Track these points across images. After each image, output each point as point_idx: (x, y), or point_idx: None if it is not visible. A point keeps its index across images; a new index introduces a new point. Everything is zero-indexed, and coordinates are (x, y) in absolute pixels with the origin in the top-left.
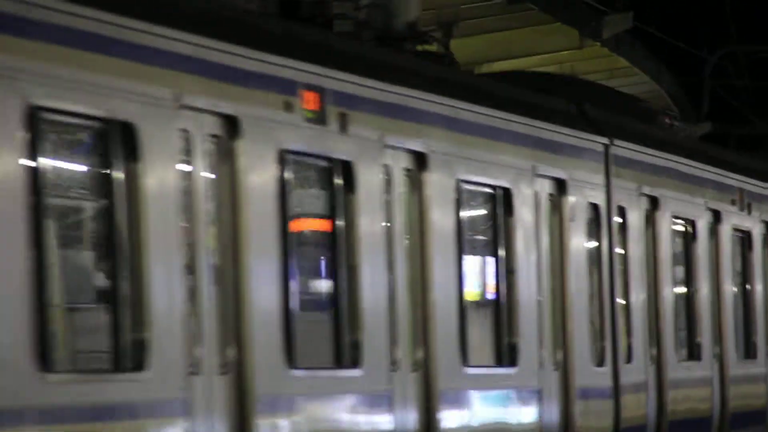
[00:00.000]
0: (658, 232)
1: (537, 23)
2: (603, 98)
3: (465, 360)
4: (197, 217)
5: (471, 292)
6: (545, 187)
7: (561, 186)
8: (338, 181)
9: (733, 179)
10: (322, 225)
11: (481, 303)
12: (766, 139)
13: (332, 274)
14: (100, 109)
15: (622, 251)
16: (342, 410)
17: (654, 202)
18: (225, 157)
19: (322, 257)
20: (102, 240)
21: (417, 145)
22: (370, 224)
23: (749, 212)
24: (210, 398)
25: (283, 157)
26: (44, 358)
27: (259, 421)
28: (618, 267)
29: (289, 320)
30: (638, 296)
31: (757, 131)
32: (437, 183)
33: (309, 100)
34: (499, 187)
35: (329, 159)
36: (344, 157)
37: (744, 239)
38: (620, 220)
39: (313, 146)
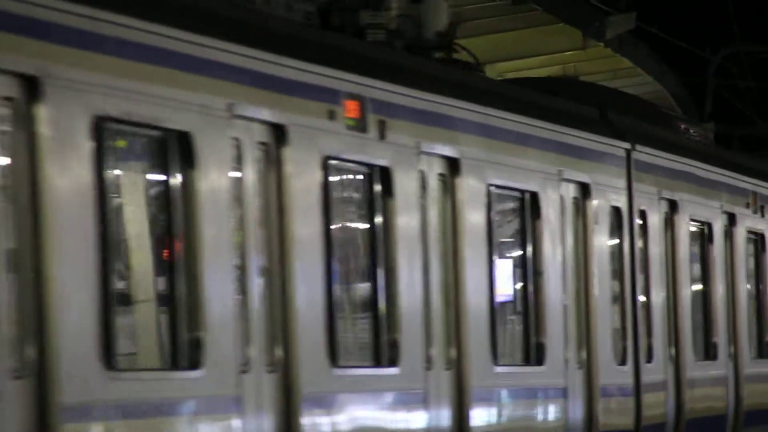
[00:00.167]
0: (676, 235)
1: (540, 24)
2: (624, 104)
3: (495, 359)
4: (247, 222)
5: (501, 293)
6: (570, 191)
7: (585, 190)
8: (377, 186)
9: (747, 183)
10: (361, 229)
11: (510, 303)
12: None
13: (371, 275)
14: (160, 119)
15: (643, 253)
16: (380, 407)
17: (673, 206)
18: (272, 163)
19: (362, 260)
20: (161, 244)
21: (450, 151)
22: (406, 228)
23: (762, 215)
24: (259, 396)
25: (326, 164)
26: (109, 357)
27: (304, 418)
28: (639, 269)
29: (332, 320)
30: (658, 297)
31: (761, 132)
32: (469, 188)
33: (351, 109)
34: (527, 191)
35: (369, 165)
36: (383, 163)
37: (757, 241)
38: (641, 223)
39: (354, 153)
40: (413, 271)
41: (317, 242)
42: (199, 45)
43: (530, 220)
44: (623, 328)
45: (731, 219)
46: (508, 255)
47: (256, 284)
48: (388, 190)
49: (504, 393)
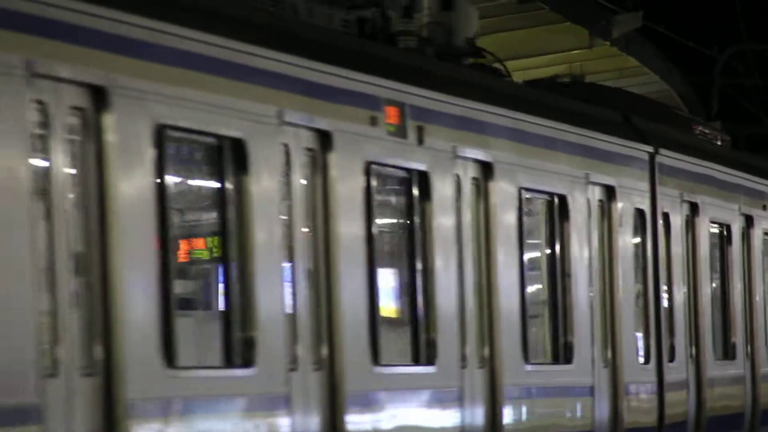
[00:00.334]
0: (697, 237)
1: (546, 23)
2: (645, 108)
3: (526, 357)
4: (295, 225)
5: (531, 293)
6: (596, 194)
7: (610, 193)
8: (415, 190)
9: (764, 185)
10: (401, 231)
11: (540, 303)
12: None
13: (410, 276)
14: (216, 127)
15: (666, 255)
16: (419, 405)
17: (694, 208)
18: (318, 168)
19: (401, 261)
20: (217, 246)
21: (484, 156)
22: (442, 230)
23: None
24: (306, 393)
25: (369, 168)
26: (170, 355)
27: (348, 415)
28: (662, 270)
29: (374, 320)
30: (680, 298)
31: (767, 130)
32: (502, 191)
33: (391, 115)
34: (556, 194)
35: (408, 170)
36: (421, 168)
37: None
38: (664, 224)
39: (394, 158)
40: (449, 273)
41: (360, 245)
42: (251, 54)
43: (559, 223)
44: (647, 327)
45: (748, 221)
46: (537, 256)
47: (303, 285)
48: (425, 194)
49: (534, 391)
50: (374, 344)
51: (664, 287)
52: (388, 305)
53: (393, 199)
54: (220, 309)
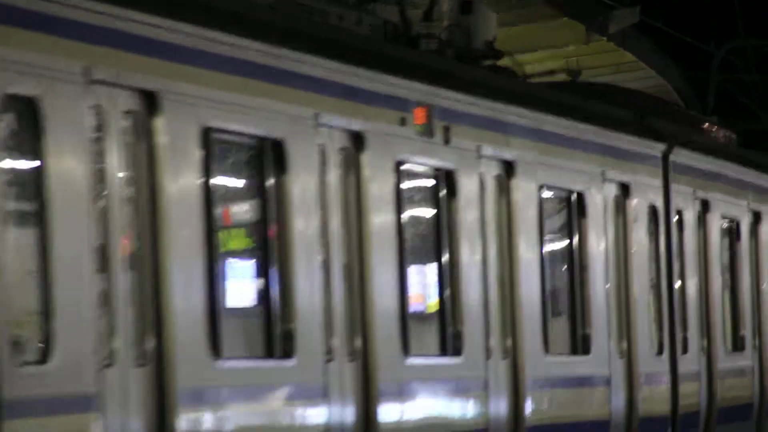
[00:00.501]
0: (708, 232)
1: (543, 18)
2: (660, 108)
3: (547, 348)
4: (330, 221)
5: (550, 287)
6: (612, 191)
7: (625, 189)
8: (442, 188)
9: None
10: (428, 227)
11: (559, 296)
12: None
13: (438, 271)
14: (257, 129)
15: (679, 250)
16: (446, 394)
17: (705, 205)
18: (351, 168)
19: (429, 256)
20: (258, 243)
21: (506, 154)
22: (467, 226)
23: None
24: (341, 383)
25: (399, 168)
26: (217, 346)
27: (380, 404)
28: (675, 264)
29: (404, 312)
30: (692, 291)
31: (764, 126)
32: (523, 188)
33: (419, 116)
34: (574, 191)
35: (435, 168)
36: (448, 166)
37: None
38: (677, 220)
39: (422, 157)
40: (474, 267)
41: (391, 240)
42: (289, 59)
43: (576, 218)
44: (660, 320)
45: (756, 217)
46: (556, 251)
47: (338, 279)
48: (452, 192)
49: (555, 381)
50: (405, 336)
51: (677, 281)
52: (417, 298)
53: (421, 196)
54: (261, 302)
